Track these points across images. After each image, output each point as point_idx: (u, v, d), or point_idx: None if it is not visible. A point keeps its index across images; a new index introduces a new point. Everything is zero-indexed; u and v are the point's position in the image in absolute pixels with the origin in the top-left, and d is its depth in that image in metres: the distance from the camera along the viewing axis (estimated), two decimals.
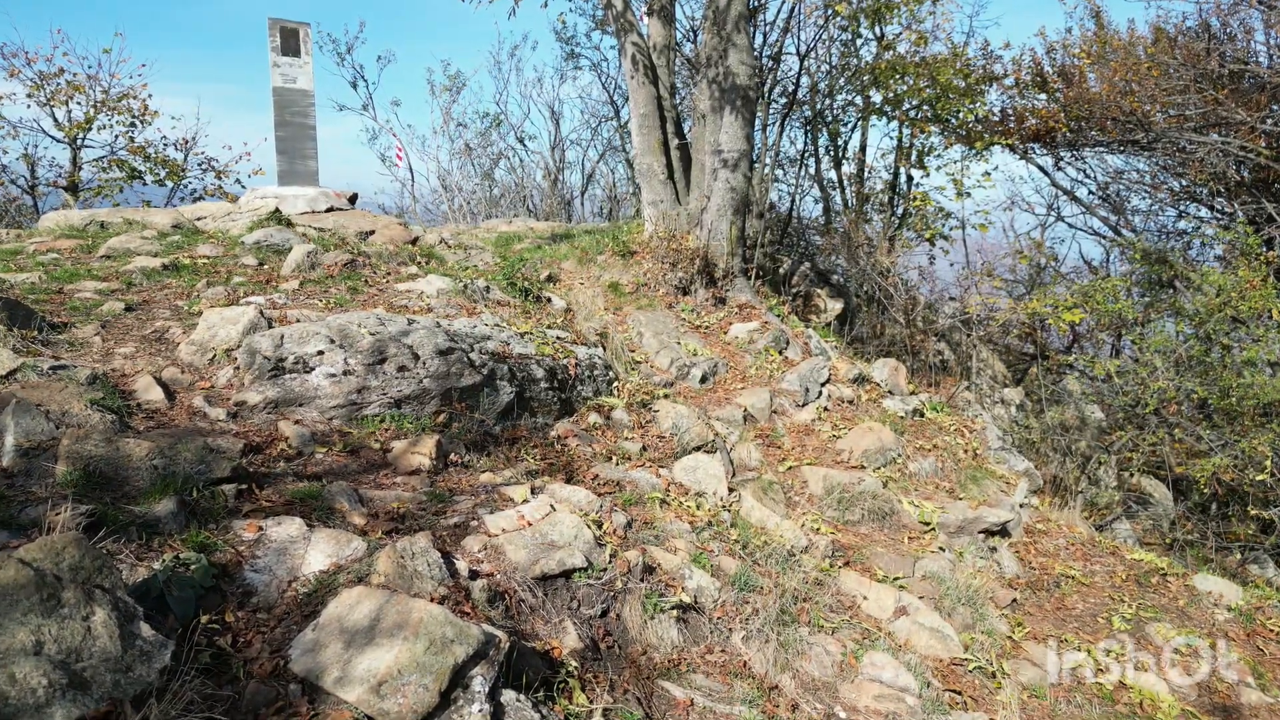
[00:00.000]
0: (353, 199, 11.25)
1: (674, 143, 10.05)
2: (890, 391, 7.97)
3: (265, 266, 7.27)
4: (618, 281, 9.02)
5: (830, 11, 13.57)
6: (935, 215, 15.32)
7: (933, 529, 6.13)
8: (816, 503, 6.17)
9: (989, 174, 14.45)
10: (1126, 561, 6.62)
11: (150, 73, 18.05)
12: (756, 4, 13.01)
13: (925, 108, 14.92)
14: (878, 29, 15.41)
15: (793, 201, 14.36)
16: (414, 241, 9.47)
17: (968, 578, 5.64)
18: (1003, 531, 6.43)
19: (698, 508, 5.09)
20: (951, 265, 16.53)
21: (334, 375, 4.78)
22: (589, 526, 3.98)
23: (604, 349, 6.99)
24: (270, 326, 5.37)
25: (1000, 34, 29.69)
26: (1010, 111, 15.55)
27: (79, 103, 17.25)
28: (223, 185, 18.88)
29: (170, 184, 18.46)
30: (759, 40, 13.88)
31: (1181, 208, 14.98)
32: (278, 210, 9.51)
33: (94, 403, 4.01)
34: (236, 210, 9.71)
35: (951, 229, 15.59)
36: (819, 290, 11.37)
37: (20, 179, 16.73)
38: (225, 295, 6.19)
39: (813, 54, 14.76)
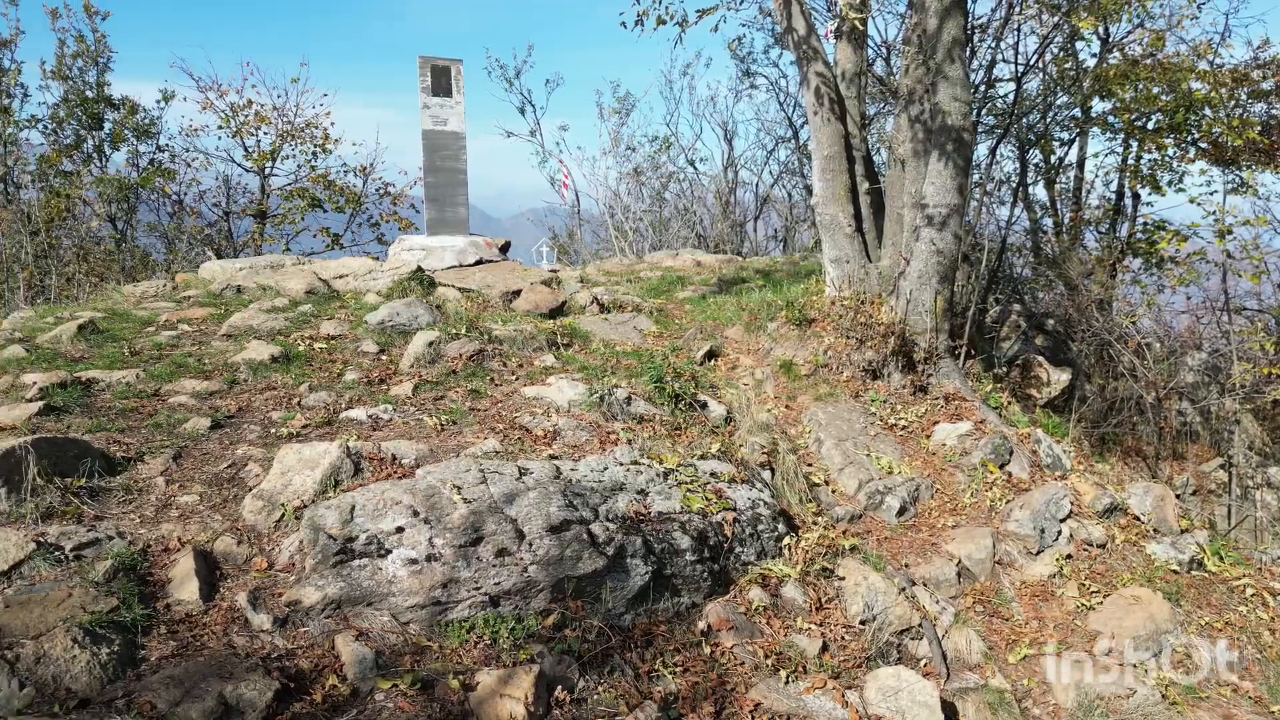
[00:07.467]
0: (505, 248, 10.38)
1: (863, 187, 8.42)
2: (1155, 529, 6.02)
3: (384, 356, 6.36)
4: (791, 360, 7.53)
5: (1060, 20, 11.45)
6: (1171, 242, 12.60)
7: None
8: None
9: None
10: None
11: (335, 94, 18.59)
12: (975, 26, 11.00)
13: (1159, 117, 12.44)
14: (1103, 27, 13.04)
15: (1004, 239, 12.24)
16: (560, 308, 8.39)
17: None
18: None
19: None
20: (1189, 298, 13.84)
21: (414, 562, 3.65)
22: None
23: (772, 473, 5.55)
24: (358, 470, 4.34)
25: (1261, 32, 25.34)
26: (1273, 122, 12.66)
27: (266, 133, 17.86)
28: (398, 211, 19.00)
29: (349, 210, 18.77)
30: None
31: None
32: (419, 269, 8.73)
33: (94, 624, 3.06)
34: (378, 268, 9.01)
35: (1184, 257, 12.90)
36: (1038, 358, 9.35)
37: (217, 206, 17.46)
38: (325, 406, 5.27)
39: (1032, 70, 12.59)
